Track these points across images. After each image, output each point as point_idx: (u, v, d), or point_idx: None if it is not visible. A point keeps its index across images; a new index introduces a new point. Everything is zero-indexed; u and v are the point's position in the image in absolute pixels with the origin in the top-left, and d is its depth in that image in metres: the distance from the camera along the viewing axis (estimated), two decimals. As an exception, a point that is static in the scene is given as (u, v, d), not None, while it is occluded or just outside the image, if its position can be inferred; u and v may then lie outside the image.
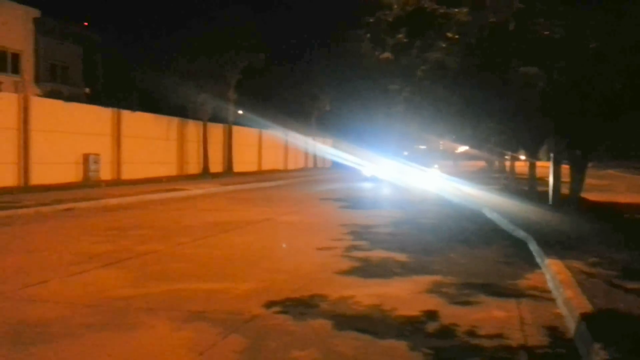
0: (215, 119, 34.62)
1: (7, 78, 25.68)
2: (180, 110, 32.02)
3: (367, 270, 7.64)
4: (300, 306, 5.80)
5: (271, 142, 44.95)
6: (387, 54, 16.16)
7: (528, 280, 7.12)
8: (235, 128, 36.71)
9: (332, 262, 8.16)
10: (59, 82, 31.64)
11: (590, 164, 14.89)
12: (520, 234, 10.71)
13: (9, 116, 20.46)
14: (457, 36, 13.48)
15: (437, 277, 7.16)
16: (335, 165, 47.14)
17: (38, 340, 4.76)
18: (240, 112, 37.54)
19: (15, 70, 28.88)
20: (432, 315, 5.53)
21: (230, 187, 24.33)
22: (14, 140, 20.64)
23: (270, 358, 4.40)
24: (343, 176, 35.58)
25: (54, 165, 22.30)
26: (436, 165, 31.50)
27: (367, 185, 26.78)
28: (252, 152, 41.91)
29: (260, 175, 36.36)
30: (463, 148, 53.96)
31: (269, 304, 5.82)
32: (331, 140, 59.26)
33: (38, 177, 21.27)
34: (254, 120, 41.66)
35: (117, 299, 6.08)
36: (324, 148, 57.60)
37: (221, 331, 4.98)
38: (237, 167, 36.77)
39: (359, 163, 32.56)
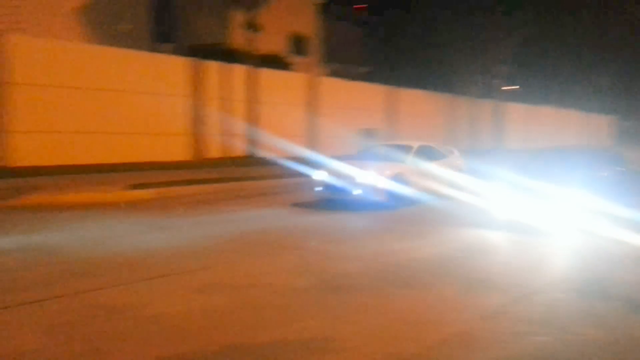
0: (481, 94, 34.19)
1: (298, 59, 28.70)
2: (448, 86, 32.34)
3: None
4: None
5: (542, 120, 42.79)
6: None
7: None
8: (504, 105, 35.78)
9: None
10: (341, 63, 34.24)
11: None
12: None
13: (300, 94, 22.99)
14: None
15: None
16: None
17: (343, 289, 5.56)
18: (506, 87, 36.44)
19: (304, 52, 32.04)
20: None
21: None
22: (304, 115, 23.14)
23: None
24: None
25: (333, 139, 24.46)
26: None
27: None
28: (519, 129, 40.48)
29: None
30: None
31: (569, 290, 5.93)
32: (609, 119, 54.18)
33: (321, 149, 23.55)
34: (521, 96, 40.01)
35: (408, 261, 6.76)
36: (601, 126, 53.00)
37: (505, 301, 5.22)
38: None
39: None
